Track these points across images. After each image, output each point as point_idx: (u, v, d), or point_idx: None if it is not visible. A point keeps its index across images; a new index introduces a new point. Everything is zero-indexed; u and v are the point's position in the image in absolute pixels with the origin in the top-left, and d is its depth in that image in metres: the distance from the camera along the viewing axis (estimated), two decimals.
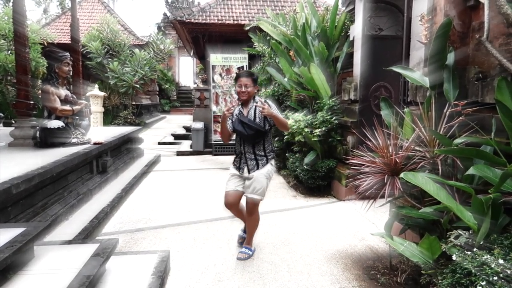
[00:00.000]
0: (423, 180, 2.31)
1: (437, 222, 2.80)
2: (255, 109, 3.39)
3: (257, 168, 3.41)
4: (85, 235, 3.80)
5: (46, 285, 2.37)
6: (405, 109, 3.37)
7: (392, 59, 5.08)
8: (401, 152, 2.96)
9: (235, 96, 7.54)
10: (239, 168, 3.49)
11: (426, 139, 2.91)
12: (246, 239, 3.70)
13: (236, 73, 3.82)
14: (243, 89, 3.36)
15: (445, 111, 2.94)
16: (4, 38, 12.59)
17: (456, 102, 2.86)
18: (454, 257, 2.03)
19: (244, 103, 3.47)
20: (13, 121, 5.87)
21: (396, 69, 3.34)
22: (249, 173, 3.42)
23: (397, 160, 2.90)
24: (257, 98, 3.45)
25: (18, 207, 3.47)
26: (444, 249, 2.34)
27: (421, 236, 3.09)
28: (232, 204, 3.53)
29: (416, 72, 3.29)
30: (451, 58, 3.07)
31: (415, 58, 3.69)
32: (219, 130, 8.24)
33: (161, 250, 3.46)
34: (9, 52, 12.49)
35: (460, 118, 2.83)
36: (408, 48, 4.17)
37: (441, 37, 2.88)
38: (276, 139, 7.33)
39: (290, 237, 4.10)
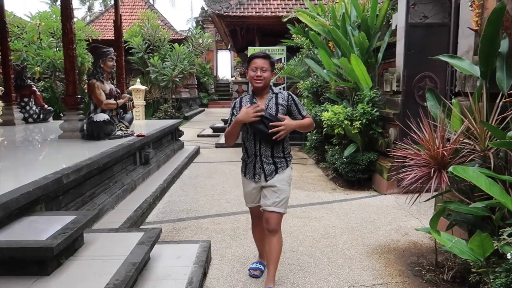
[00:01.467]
0: (474, 174, 2.20)
1: (488, 219, 2.67)
2: (276, 99, 2.74)
3: (276, 174, 2.75)
4: (130, 224, 3.94)
5: (96, 271, 2.48)
6: (453, 100, 3.21)
7: (438, 48, 4.88)
8: (448, 145, 2.83)
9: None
10: (254, 175, 2.78)
11: (476, 131, 2.76)
12: (268, 274, 2.78)
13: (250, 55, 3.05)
14: (258, 73, 2.67)
15: (497, 101, 2.78)
16: (52, 36, 13.23)
17: (510, 91, 2.69)
18: (508, 256, 1.93)
19: (258, 92, 2.78)
20: (62, 115, 6.17)
21: (444, 58, 3.19)
22: (266, 180, 2.74)
23: (445, 153, 2.77)
24: (276, 89, 2.83)
25: (68, 196, 3.65)
26: (496, 247, 2.23)
27: (469, 233, 2.95)
28: (258, 225, 2.99)
29: (465, 60, 3.13)
30: (504, 45, 2.89)
31: (464, 46, 3.50)
32: None
33: (202, 240, 3.53)
34: (57, 49, 13.12)
35: None
36: (456, 36, 3.97)
37: (493, 23, 2.71)
38: (315, 131, 7.24)
39: (330, 231, 4.05)
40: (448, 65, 4.86)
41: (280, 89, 2.75)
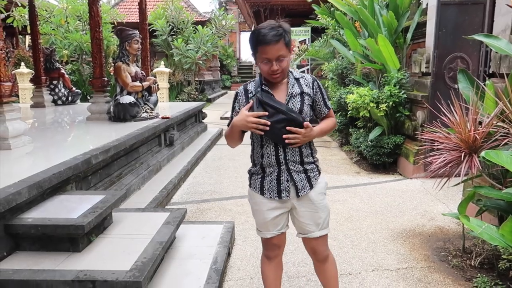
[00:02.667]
0: (508, 159, 2.12)
1: None
2: (300, 87, 1.96)
3: (310, 186, 2.00)
4: (156, 204, 4.03)
5: (124, 249, 2.55)
6: (487, 82, 3.08)
7: (471, 27, 4.69)
8: (480, 128, 2.73)
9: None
10: (279, 192, 1.98)
11: (511, 114, 2.65)
12: None
13: (253, 31, 1.87)
14: (275, 67, 1.83)
15: None
16: (79, 19, 13.42)
17: None
18: None
19: (272, 82, 1.96)
20: (89, 97, 6.30)
21: (479, 37, 3.05)
22: (298, 196, 1.99)
23: (477, 137, 2.67)
24: (296, 72, 2.05)
25: (97, 177, 3.75)
26: None
27: (500, 219, 2.87)
28: (276, 257, 2.20)
29: (502, 40, 2.97)
30: None
31: (500, 24, 3.34)
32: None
33: (226, 221, 3.58)
34: (84, 32, 13.32)
35: None
36: (492, 14, 3.79)
37: None
38: (339, 114, 7.14)
39: (353, 214, 4.03)
40: (482, 45, 4.65)
41: (301, 72, 2.10)
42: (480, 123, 2.81)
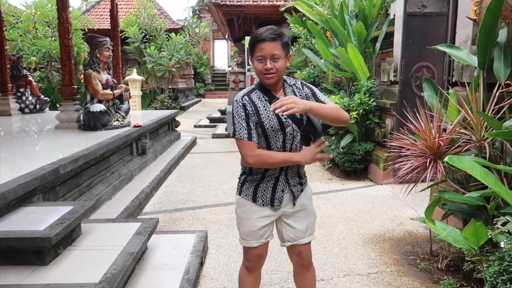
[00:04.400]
0: (470, 164, 2.21)
1: (483, 208, 2.69)
2: (295, 94, 1.95)
3: (301, 191, 2.05)
4: (127, 214, 3.95)
5: (94, 260, 2.49)
6: (450, 90, 3.21)
7: (436, 37, 4.87)
8: (444, 135, 2.84)
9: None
10: (272, 200, 1.97)
11: (472, 122, 2.77)
12: None
13: (252, 34, 1.92)
14: (269, 65, 1.81)
15: (494, 91, 2.79)
16: (48, 25, 13.09)
17: (507, 82, 2.70)
18: (502, 244, 1.95)
19: (270, 87, 1.92)
20: (58, 105, 6.13)
21: (442, 47, 3.19)
22: (294, 204, 2.02)
23: (441, 143, 2.78)
24: (290, 79, 2.03)
25: (66, 187, 3.65)
26: (490, 236, 2.25)
27: (464, 222, 2.98)
28: (257, 269, 2.19)
29: (463, 50, 3.12)
30: (502, 34, 2.89)
31: (462, 35, 3.49)
32: None
33: (199, 230, 3.55)
34: (53, 38, 12.99)
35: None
36: (454, 26, 3.96)
37: (492, 13, 2.70)
38: None
39: (326, 220, 4.08)
40: (445, 55, 4.85)
41: (293, 78, 2.04)
42: (445, 130, 2.93)
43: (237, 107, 1.88)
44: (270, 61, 1.81)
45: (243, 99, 1.89)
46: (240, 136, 1.85)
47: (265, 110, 1.87)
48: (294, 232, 2.05)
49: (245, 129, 1.84)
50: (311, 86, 2.03)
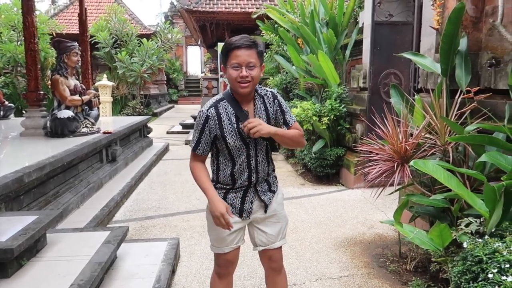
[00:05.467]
0: (433, 168, 2.29)
1: (448, 210, 2.78)
2: (265, 105, 1.96)
3: (271, 197, 2.06)
4: (96, 223, 3.85)
5: (59, 272, 2.41)
6: (416, 96, 3.32)
7: (403, 45, 5.02)
8: (411, 140, 2.93)
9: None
10: (241, 211, 1.99)
11: (437, 127, 2.87)
12: None
13: (226, 42, 1.88)
14: (244, 73, 1.80)
15: (456, 97, 2.90)
16: (13, 29, 12.65)
17: (468, 88, 2.82)
18: (465, 245, 2.02)
19: (241, 97, 1.91)
20: (24, 112, 5.92)
21: (407, 55, 3.29)
22: (266, 212, 2.04)
23: (407, 148, 2.87)
24: (261, 88, 2.00)
25: (31, 196, 3.52)
26: (454, 237, 2.33)
27: (431, 224, 3.07)
28: (228, 274, 2.17)
29: (427, 58, 3.24)
30: (463, 43, 3.01)
31: (426, 44, 3.63)
32: None
33: (171, 237, 3.50)
34: (19, 43, 12.56)
35: (472, 104, 2.79)
36: (419, 34, 4.10)
37: (453, 22, 2.81)
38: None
39: (298, 225, 4.11)
40: (411, 63, 5.01)
41: (263, 87, 2.02)
42: (411, 134, 3.02)
43: (199, 118, 1.91)
44: (245, 68, 1.80)
45: (209, 111, 1.89)
46: (191, 144, 1.97)
47: (229, 124, 1.88)
48: (266, 237, 2.07)
49: (196, 140, 1.93)
50: (281, 101, 2.02)
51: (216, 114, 1.89)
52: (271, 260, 2.13)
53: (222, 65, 1.93)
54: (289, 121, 2.00)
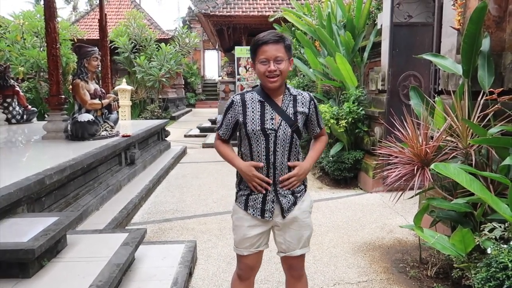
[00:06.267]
0: (455, 171, 2.23)
1: (470, 215, 2.71)
2: (295, 104, 1.96)
3: (295, 203, 1.99)
4: (115, 225, 3.89)
5: (79, 272, 2.44)
6: (436, 98, 3.25)
7: (422, 47, 4.94)
8: (431, 143, 2.86)
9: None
10: (263, 211, 1.97)
11: (458, 129, 2.80)
12: None
13: (253, 39, 1.93)
14: (272, 67, 1.83)
15: (479, 99, 2.82)
16: (36, 36, 12.99)
17: (491, 89, 2.74)
18: (489, 251, 1.96)
19: (270, 92, 1.93)
20: (46, 115, 6.05)
21: (427, 56, 3.23)
22: (284, 217, 1.98)
23: (428, 151, 2.80)
24: (293, 88, 2.01)
25: (52, 198, 3.59)
26: (477, 243, 2.26)
27: (453, 229, 2.99)
28: (248, 278, 2.15)
29: (448, 59, 3.16)
30: (486, 44, 2.93)
31: (447, 45, 3.55)
32: None
33: (188, 240, 3.51)
34: (41, 49, 12.89)
35: (496, 106, 2.71)
36: (439, 35, 4.02)
37: (475, 22, 2.75)
38: None
39: (316, 229, 4.06)
40: (431, 64, 4.91)
41: (299, 90, 2.05)
42: (432, 137, 2.95)
43: (227, 103, 2.01)
44: (273, 63, 1.84)
45: (235, 97, 1.99)
46: (217, 126, 2.11)
47: (252, 112, 1.93)
48: (285, 244, 2.04)
49: (220, 121, 2.04)
50: (316, 104, 2.05)
51: (241, 100, 1.96)
52: (291, 268, 2.12)
53: (251, 62, 1.98)
54: (321, 125, 2.10)
